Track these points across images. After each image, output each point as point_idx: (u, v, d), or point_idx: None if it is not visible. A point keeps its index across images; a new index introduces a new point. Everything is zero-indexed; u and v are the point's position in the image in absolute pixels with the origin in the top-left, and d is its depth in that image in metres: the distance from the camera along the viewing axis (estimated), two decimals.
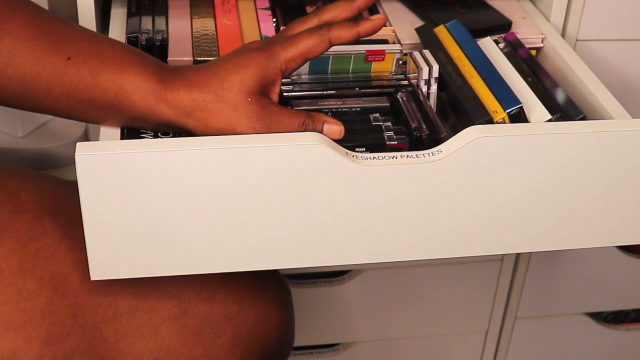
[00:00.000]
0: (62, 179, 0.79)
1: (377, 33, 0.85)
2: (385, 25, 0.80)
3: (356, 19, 0.75)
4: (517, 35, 0.88)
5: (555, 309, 1.22)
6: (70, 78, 0.68)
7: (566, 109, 0.78)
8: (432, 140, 0.75)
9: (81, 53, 0.68)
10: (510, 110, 0.76)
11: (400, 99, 0.80)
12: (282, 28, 0.84)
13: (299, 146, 0.66)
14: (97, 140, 0.69)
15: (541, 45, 0.90)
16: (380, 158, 0.69)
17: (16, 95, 0.68)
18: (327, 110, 0.79)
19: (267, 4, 0.92)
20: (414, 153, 0.69)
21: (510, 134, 0.69)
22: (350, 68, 0.84)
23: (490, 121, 0.75)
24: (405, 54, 0.85)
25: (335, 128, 0.71)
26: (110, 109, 0.69)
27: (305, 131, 0.70)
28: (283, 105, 0.72)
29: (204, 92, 0.69)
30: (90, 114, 0.70)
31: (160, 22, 0.86)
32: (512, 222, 0.73)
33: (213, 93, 0.69)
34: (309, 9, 0.92)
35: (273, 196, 0.68)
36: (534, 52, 0.89)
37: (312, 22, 0.74)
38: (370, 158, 0.69)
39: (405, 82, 0.83)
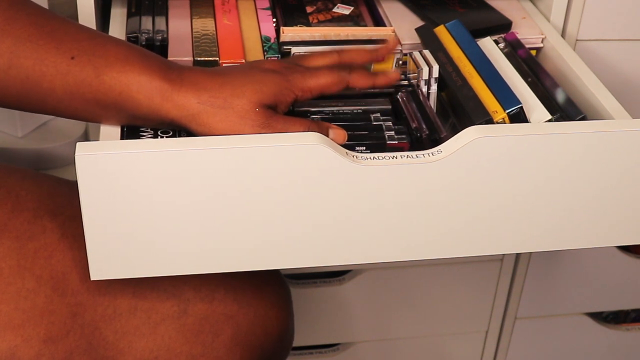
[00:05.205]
0: (61, 178, 0.79)
1: (377, 33, 0.86)
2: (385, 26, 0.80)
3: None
4: (517, 35, 0.88)
5: (555, 309, 1.21)
6: (74, 77, 0.67)
7: (566, 109, 0.77)
8: (432, 140, 0.75)
9: (85, 52, 0.68)
10: (510, 110, 0.75)
11: (400, 99, 0.80)
12: (282, 29, 0.84)
13: (299, 146, 0.66)
14: (97, 140, 0.69)
15: (541, 45, 0.90)
16: (380, 158, 0.69)
17: (19, 96, 0.68)
18: (328, 111, 0.79)
19: (267, 4, 0.91)
20: (414, 153, 0.69)
21: (510, 134, 0.69)
22: None
23: (490, 121, 0.75)
24: (405, 54, 0.85)
25: (340, 132, 0.72)
26: (114, 108, 0.69)
27: None
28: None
29: (214, 97, 0.69)
30: (94, 112, 0.69)
31: (160, 22, 0.86)
32: (512, 222, 0.73)
33: (222, 99, 0.69)
34: (309, 9, 0.92)
35: (273, 196, 0.68)
36: (534, 52, 0.89)
37: (333, 58, 0.78)
38: (370, 158, 0.69)
39: (405, 82, 0.83)
